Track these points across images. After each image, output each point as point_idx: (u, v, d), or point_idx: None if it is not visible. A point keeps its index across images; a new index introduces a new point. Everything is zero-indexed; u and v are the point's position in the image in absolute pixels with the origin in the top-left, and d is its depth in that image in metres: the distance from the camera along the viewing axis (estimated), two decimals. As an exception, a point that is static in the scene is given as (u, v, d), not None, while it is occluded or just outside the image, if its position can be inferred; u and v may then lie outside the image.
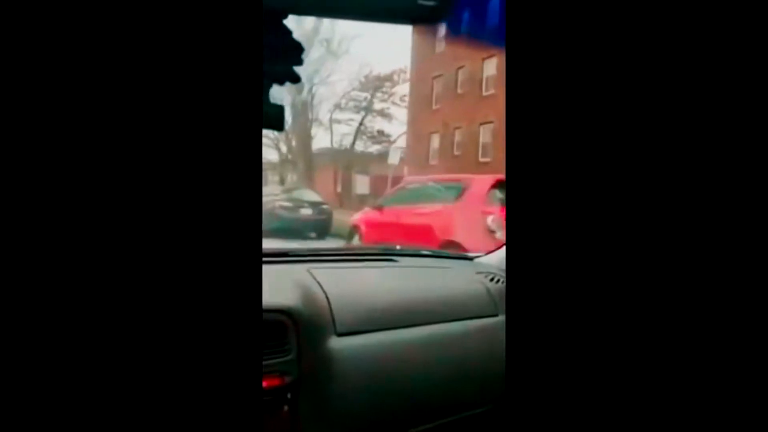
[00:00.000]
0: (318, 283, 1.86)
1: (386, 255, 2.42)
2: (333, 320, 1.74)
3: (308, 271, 1.96)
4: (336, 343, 1.72)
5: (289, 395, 1.60)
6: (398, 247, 2.60)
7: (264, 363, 1.55)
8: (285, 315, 1.64)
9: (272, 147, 22.09)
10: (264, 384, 1.56)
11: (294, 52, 0.90)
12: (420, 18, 0.89)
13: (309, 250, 2.48)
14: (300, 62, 0.92)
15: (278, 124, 0.93)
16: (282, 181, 20.97)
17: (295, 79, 0.91)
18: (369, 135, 24.24)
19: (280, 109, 0.92)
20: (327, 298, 1.79)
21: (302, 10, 0.86)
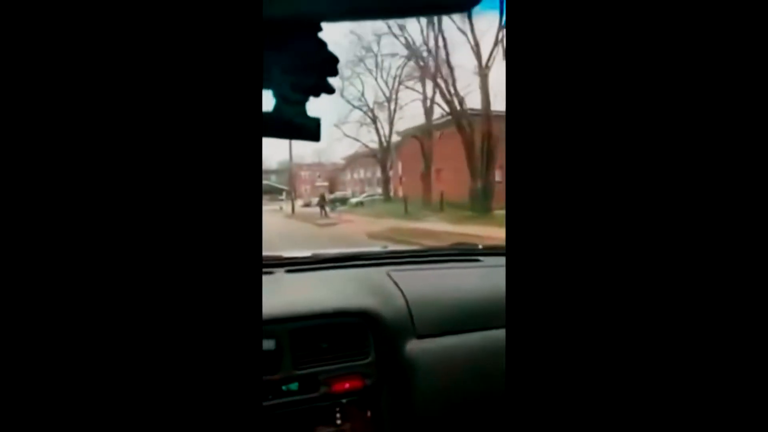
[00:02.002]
0: (397, 285, 1.94)
1: (470, 254, 2.50)
2: (413, 322, 1.80)
3: (387, 274, 2.06)
4: (416, 345, 1.77)
5: (370, 397, 1.67)
6: (480, 246, 2.62)
7: (345, 365, 1.69)
8: (364, 317, 1.73)
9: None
10: (346, 386, 1.64)
11: (329, 64, 0.88)
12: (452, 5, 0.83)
13: (388, 252, 2.52)
14: (335, 73, 0.90)
15: (315, 136, 0.94)
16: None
17: (330, 90, 0.91)
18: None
19: (316, 122, 0.92)
20: (406, 300, 1.87)
21: (335, 17, 0.82)
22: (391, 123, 36.52)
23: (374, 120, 36.54)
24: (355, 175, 55.20)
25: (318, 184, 70.37)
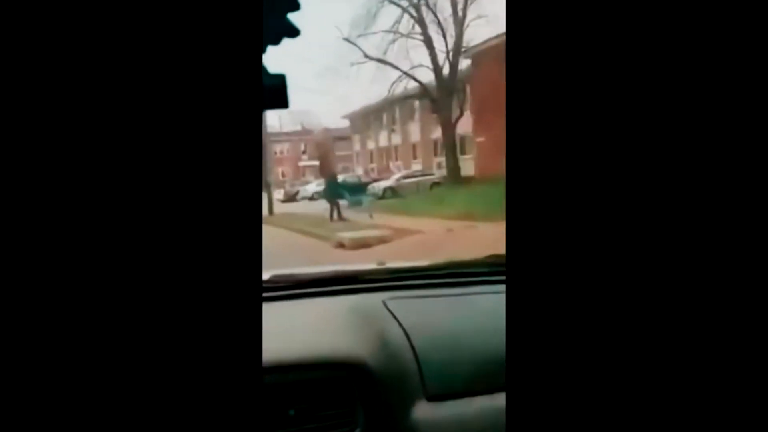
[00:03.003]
0: (398, 321, 1.57)
1: (498, 272, 1.91)
2: (421, 377, 1.42)
3: (384, 303, 1.68)
4: (426, 411, 1.39)
5: None
6: None
7: None
8: (351, 371, 1.37)
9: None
10: None
11: None
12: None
13: (387, 270, 2.02)
14: (297, 6, 0.86)
15: (281, 100, 0.89)
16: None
17: (294, 32, 0.85)
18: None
19: (281, 80, 0.87)
20: (411, 344, 1.47)
21: None
22: (459, 34, 24.46)
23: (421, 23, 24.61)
24: (370, 144, 42.54)
25: (304, 163, 49.96)
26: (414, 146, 34.97)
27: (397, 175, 28.88)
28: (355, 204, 22.88)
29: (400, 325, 1.57)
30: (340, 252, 11.78)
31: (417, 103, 28.88)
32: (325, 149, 51.31)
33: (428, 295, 1.80)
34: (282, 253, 10.18)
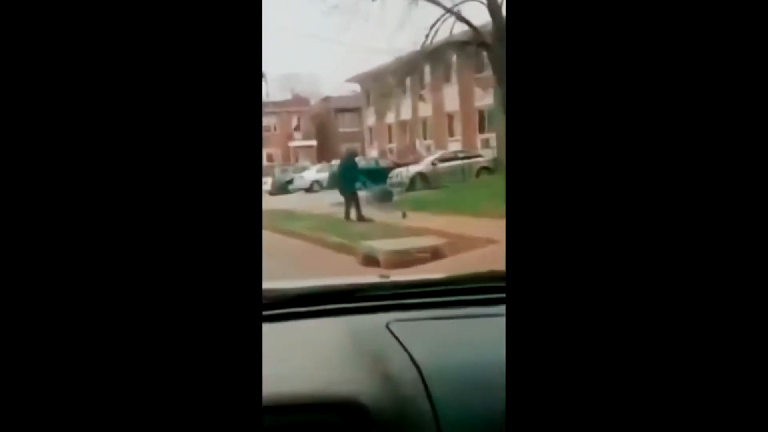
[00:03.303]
0: (405, 349, 1.32)
1: None
2: (436, 422, 1.17)
3: (388, 327, 1.43)
4: None
5: None
6: None
7: None
8: (344, 413, 1.15)
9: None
10: None
11: None
12: None
13: (392, 285, 1.79)
14: None
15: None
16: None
17: None
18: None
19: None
20: (423, 379, 1.22)
21: None
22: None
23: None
24: (388, 117, 32.81)
25: (296, 143, 41.05)
26: (450, 118, 29.50)
27: (430, 158, 23.68)
28: (383, 198, 16.27)
29: (409, 354, 1.28)
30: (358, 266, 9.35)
31: (454, 58, 22.75)
32: (325, 124, 42.81)
33: (444, 317, 1.53)
34: (280, 268, 6.62)
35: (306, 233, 12.65)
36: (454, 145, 26.45)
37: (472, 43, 20.45)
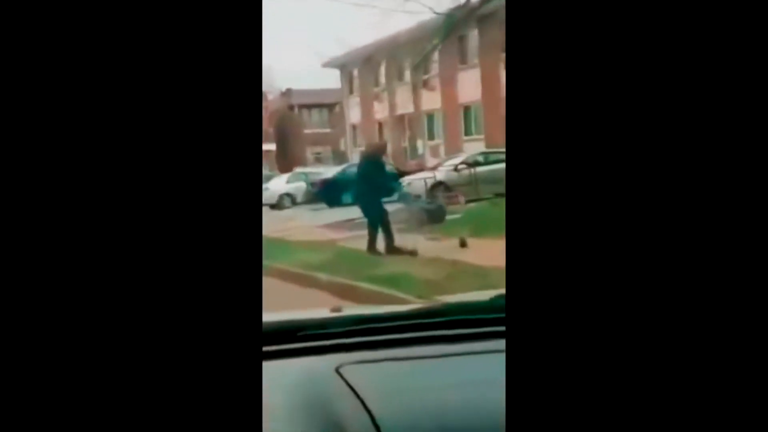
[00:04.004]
0: (359, 397, 1.20)
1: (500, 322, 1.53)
2: None
3: (338, 371, 1.31)
4: None
5: None
6: None
7: None
8: None
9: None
10: None
11: None
12: None
13: (345, 320, 1.62)
14: None
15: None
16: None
17: None
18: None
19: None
20: (377, 430, 1.14)
21: None
22: None
23: None
24: (378, 110, 27.55)
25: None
26: (466, 110, 23.83)
27: (453, 161, 18.95)
28: (434, 217, 11.14)
29: (363, 403, 1.15)
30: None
31: (476, 33, 17.28)
32: (285, 124, 36.96)
33: (405, 357, 1.38)
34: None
35: (308, 273, 8.70)
36: (473, 146, 21.12)
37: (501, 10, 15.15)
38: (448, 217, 10.79)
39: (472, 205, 13.73)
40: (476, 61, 21.70)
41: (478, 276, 7.48)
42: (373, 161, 10.15)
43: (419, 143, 24.97)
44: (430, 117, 25.31)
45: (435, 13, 14.68)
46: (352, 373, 1.29)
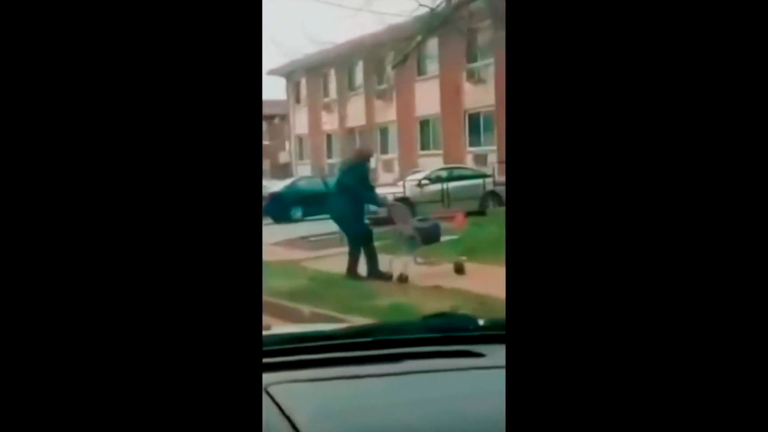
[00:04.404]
0: (288, 419, 1.17)
1: (440, 339, 1.61)
2: None
3: (267, 391, 1.26)
4: None
5: None
6: (481, 322, 1.74)
7: None
8: None
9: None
10: None
11: None
12: None
13: (274, 339, 1.58)
14: None
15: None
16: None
17: None
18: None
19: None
20: None
21: None
22: None
23: None
24: (326, 120, 26.64)
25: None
26: (423, 123, 22.93)
27: (415, 176, 17.72)
28: (428, 236, 9.24)
29: (292, 424, 1.13)
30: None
31: (436, 42, 17.07)
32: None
33: (336, 377, 1.36)
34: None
35: (274, 301, 7.17)
36: (430, 161, 20.09)
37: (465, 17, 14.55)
38: (444, 237, 9.47)
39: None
40: (436, 71, 20.72)
41: (485, 307, 6.43)
42: (356, 169, 8.81)
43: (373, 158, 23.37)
44: (384, 130, 23.94)
45: (421, 5, 13.57)
46: (282, 393, 1.24)
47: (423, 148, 22.11)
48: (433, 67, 21.11)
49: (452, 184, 15.59)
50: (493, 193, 15.90)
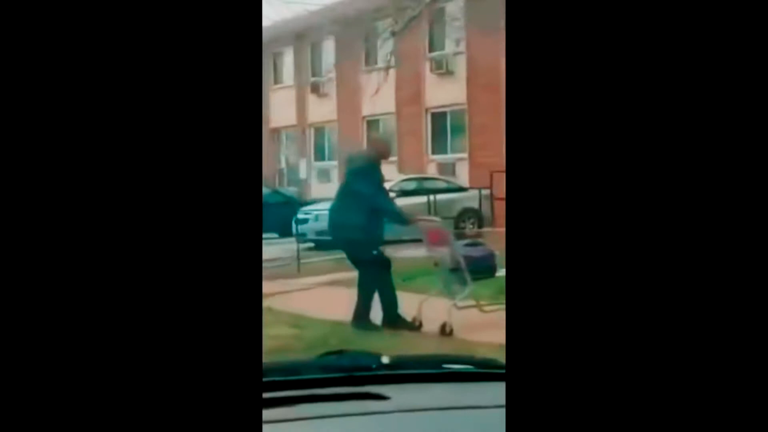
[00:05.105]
0: None
1: (359, 380, 1.48)
2: None
3: None
4: None
5: None
6: (385, 360, 1.63)
7: None
8: None
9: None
10: None
11: None
12: None
13: None
14: None
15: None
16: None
17: None
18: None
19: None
20: None
21: None
22: None
23: None
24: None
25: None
26: (371, 125, 19.53)
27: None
28: (481, 268, 5.98)
29: None
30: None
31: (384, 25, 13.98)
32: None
33: (271, 420, 1.18)
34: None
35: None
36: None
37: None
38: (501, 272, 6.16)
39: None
40: (391, 61, 17.46)
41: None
42: (370, 172, 6.13)
43: (302, 164, 20.63)
44: (320, 131, 20.92)
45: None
46: None
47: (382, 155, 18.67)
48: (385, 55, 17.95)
49: (419, 199, 12.75)
50: (472, 210, 13.25)
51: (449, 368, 1.71)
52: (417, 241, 6.65)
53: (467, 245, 6.14)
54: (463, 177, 15.59)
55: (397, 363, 1.65)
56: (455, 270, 5.79)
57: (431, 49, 17.36)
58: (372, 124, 19.02)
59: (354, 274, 6.25)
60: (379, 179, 6.16)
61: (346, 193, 6.15)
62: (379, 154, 6.25)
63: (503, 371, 1.68)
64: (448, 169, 16.64)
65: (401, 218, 6.27)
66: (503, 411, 1.22)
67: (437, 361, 1.86)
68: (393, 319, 5.75)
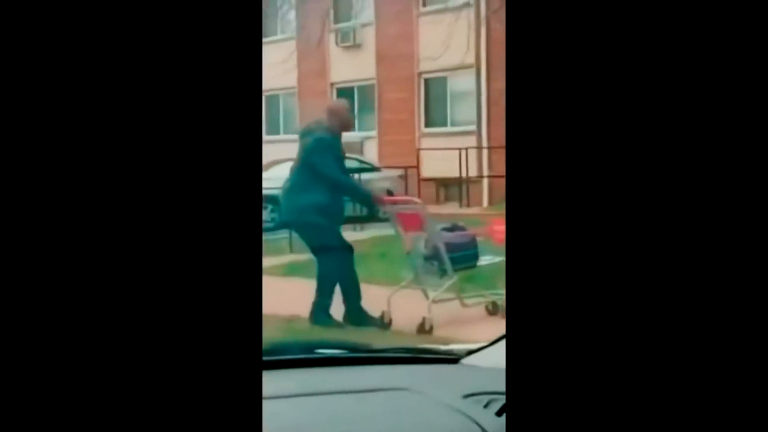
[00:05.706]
0: None
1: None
2: None
3: None
4: None
5: None
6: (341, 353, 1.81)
7: None
8: None
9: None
10: None
11: None
12: None
13: None
14: None
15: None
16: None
17: None
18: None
19: None
20: None
21: None
22: None
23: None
24: None
25: None
26: (342, 92, 18.50)
27: (271, 173, 11.78)
28: (462, 257, 5.33)
29: None
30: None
31: None
32: None
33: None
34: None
35: None
36: (275, 149, 15.62)
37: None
38: (483, 260, 5.49)
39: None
40: (290, 33, 16.66)
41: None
42: (329, 144, 5.37)
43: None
44: (274, 99, 18.74)
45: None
46: None
47: (270, 132, 17.75)
48: (286, 26, 17.03)
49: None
50: (387, 192, 12.35)
51: (322, 353, 1.76)
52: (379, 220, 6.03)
53: (446, 229, 5.40)
54: (371, 156, 14.66)
55: (270, 350, 1.55)
56: (432, 258, 5.15)
57: (336, 20, 16.24)
58: (270, 99, 17.84)
59: (309, 257, 5.60)
60: (341, 154, 5.50)
61: (302, 170, 5.40)
62: (341, 125, 5.39)
63: (377, 355, 1.71)
64: (355, 147, 15.85)
65: (367, 197, 5.62)
66: (374, 395, 1.33)
67: (311, 346, 1.94)
68: (356, 315, 5.16)
